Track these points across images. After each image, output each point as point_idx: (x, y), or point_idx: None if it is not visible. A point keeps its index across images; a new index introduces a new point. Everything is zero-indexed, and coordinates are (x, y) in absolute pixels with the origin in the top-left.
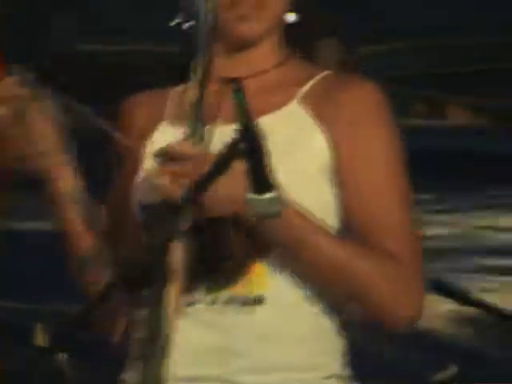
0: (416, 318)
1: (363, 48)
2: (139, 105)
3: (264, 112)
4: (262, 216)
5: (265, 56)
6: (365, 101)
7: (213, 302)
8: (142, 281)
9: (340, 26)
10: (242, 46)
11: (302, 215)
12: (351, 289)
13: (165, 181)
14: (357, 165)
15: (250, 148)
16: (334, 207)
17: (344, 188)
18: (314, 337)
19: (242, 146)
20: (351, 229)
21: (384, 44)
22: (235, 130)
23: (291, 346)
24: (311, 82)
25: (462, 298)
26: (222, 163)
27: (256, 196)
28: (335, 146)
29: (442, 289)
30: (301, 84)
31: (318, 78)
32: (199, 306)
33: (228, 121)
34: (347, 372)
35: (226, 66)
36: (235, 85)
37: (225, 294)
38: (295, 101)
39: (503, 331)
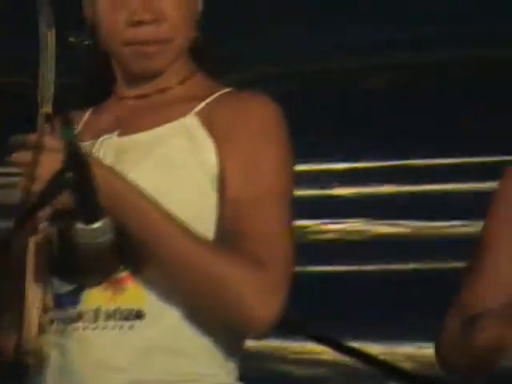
0: (272, 322)
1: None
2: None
3: (161, 124)
4: (90, 246)
5: (169, 75)
6: (257, 115)
7: (95, 317)
8: None
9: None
10: (146, 76)
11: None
12: (208, 287)
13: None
14: (241, 176)
15: (77, 178)
16: (216, 217)
17: (226, 197)
18: (196, 350)
19: (69, 176)
20: (226, 236)
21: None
22: (62, 161)
23: (171, 359)
24: (210, 98)
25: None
26: (47, 192)
27: (84, 226)
28: (224, 158)
29: (318, 336)
30: (201, 99)
31: (217, 94)
32: (79, 324)
33: (126, 133)
34: (236, 381)
35: (130, 83)
36: (63, 119)
37: (106, 309)
38: (192, 114)
39: None
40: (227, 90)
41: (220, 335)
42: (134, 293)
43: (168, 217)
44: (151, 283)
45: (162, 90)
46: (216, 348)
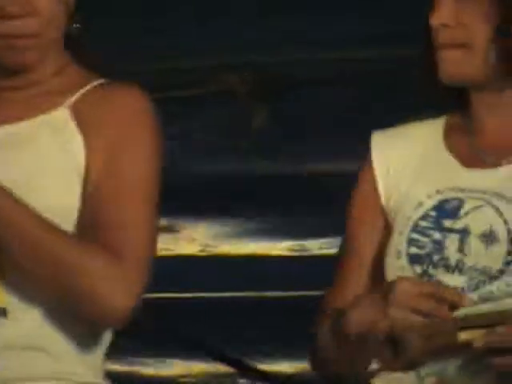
0: (126, 314)
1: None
2: None
3: (32, 116)
4: None
5: (42, 67)
6: (127, 108)
7: None
8: None
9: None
10: (17, 69)
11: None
12: (63, 278)
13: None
14: (104, 170)
15: None
16: (78, 207)
17: (88, 192)
18: (58, 348)
19: None
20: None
21: None
22: None
23: (33, 358)
24: (82, 90)
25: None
26: None
27: None
28: (91, 153)
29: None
30: (74, 92)
31: (89, 86)
32: None
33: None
34: (103, 381)
35: (3, 75)
36: None
37: None
38: (63, 107)
39: None
40: (100, 81)
41: (83, 333)
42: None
43: (28, 211)
44: (13, 282)
45: (35, 83)
46: (79, 346)
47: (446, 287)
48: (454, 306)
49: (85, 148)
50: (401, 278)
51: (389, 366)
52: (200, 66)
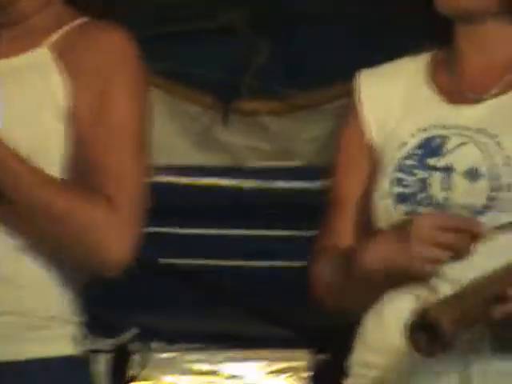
0: (124, 262)
1: None
2: None
3: (13, 54)
4: None
5: (24, 3)
6: (115, 53)
7: None
8: None
9: None
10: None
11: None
12: (58, 227)
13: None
14: (92, 113)
15: None
16: (63, 150)
17: (77, 135)
18: (25, 282)
19: None
20: (79, 175)
21: None
22: None
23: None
24: (65, 28)
25: None
26: None
27: None
28: (75, 94)
29: None
30: (55, 29)
31: (73, 24)
32: None
33: None
34: (75, 317)
35: None
36: None
37: None
38: (44, 45)
39: None
40: (83, 20)
41: (51, 267)
42: None
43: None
44: None
45: (18, 19)
46: (52, 280)
47: (465, 218)
48: (474, 236)
49: (66, 89)
50: (422, 213)
51: (424, 353)
52: (199, 1)
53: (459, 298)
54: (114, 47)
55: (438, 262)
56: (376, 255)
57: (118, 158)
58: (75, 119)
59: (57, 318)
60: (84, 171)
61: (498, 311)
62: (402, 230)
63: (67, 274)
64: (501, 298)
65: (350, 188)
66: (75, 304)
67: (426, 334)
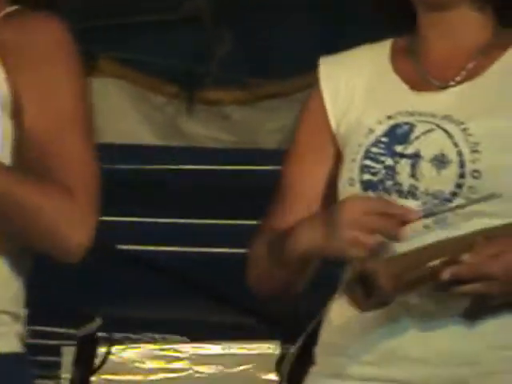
0: (85, 247)
1: None
2: None
3: None
4: None
5: None
6: (44, 36)
7: None
8: None
9: None
10: None
11: None
12: (19, 217)
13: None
14: (37, 103)
15: None
16: (12, 144)
17: (24, 126)
18: None
19: None
20: (31, 164)
21: None
22: None
23: None
24: None
25: None
26: None
27: None
28: (17, 85)
29: None
30: None
31: (3, 13)
32: None
33: None
34: (21, 311)
35: None
36: None
37: None
38: None
39: None
40: (14, 8)
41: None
42: None
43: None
44: None
45: None
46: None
47: (393, 203)
48: (403, 222)
49: (7, 81)
50: (347, 198)
51: (360, 307)
52: None
53: (403, 255)
54: (53, 38)
55: (365, 246)
56: (307, 238)
57: (67, 145)
58: (18, 111)
59: (2, 314)
60: (32, 160)
61: (447, 272)
62: (329, 213)
63: (13, 266)
64: (451, 262)
65: (300, 175)
66: (20, 299)
67: (364, 288)
